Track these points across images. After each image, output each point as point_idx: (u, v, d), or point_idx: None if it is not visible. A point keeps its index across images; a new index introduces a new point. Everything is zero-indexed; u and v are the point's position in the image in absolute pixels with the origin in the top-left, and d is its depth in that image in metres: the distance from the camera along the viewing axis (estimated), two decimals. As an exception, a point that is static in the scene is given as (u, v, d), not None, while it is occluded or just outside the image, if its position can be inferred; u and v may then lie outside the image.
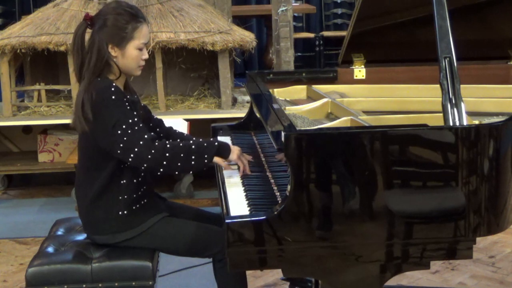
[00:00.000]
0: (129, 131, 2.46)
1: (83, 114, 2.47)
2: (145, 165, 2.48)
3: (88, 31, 2.58)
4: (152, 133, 2.52)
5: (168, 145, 2.48)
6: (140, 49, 2.56)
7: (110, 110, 2.46)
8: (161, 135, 2.79)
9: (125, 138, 2.45)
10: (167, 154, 2.47)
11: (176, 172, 2.59)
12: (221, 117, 4.80)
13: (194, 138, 2.73)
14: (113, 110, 2.46)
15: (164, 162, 2.47)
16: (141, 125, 2.49)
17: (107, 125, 2.46)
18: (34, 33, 4.80)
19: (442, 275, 3.59)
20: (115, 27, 2.52)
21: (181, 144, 2.51)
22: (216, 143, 2.55)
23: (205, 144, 2.53)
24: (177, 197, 4.68)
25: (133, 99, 2.60)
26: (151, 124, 2.77)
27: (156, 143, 2.47)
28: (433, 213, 2.18)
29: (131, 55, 2.55)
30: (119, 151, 2.47)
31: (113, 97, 2.47)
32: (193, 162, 2.50)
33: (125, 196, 2.56)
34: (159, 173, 2.52)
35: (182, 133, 2.86)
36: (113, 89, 2.49)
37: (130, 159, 2.48)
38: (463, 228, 2.20)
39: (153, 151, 2.46)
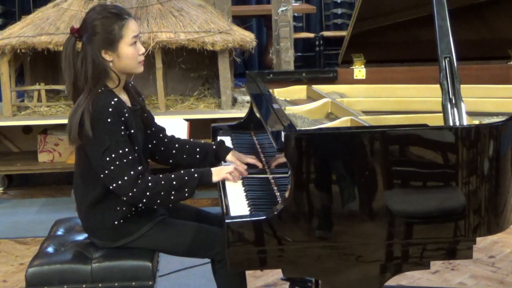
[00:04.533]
0: (117, 162, 2.44)
1: (80, 130, 2.44)
2: (124, 198, 2.48)
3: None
4: (139, 168, 2.48)
5: (150, 184, 2.46)
6: (134, 43, 2.52)
7: (103, 133, 2.43)
8: (165, 140, 2.78)
9: (111, 168, 2.44)
10: (148, 193, 2.45)
11: (155, 207, 2.60)
12: (221, 117, 4.80)
13: (197, 143, 2.76)
14: (106, 134, 2.43)
15: (144, 200, 2.47)
16: (130, 157, 2.46)
17: (98, 148, 2.44)
18: (34, 33, 4.80)
19: (442, 275, 3.59)
20: (104, 31, 2.48)
21: (163, 182, 2.47)
22: (196, 175, 2.52)
23: (186, 178, 2.51)
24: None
25: (134, 108, 2.59)
26: (153, 128, 2.76)
27: (139, 181, 2.45)
28: (433, 213, 2.18)
29: (126, 54, 2.51)
30: (102, 176, 2.47)
31: (109, 120, 2.43)
32: (172, 197, 2.49)
33: (124, 208, 2.55)
34: (139, 206, 2.53)
35: (185, 140, 2.84)
36: (110, 109, 2.44)
37: (111, 187, 2.47)
38: (463, 228, 2.20)
39: (135, 189, 2.44)
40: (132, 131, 2.51)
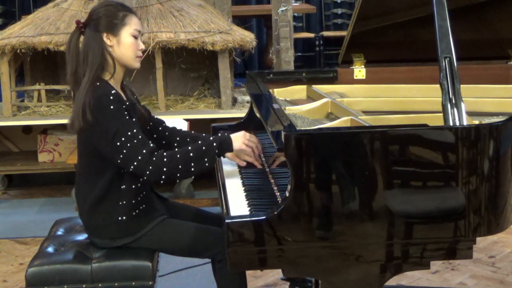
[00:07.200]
0: (128, 144, 2.45)
1: (83, 115, 2.45)
2: (144, 177, 2.51)
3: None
4: (151, 144, 2.50)
5: (165, 158, 2.47)
6: (135, 37, 2.56)
7: (108, 120, 2.45)
8: (166, 133, 2.80)
9: (124, 151, 2.46)
10: (165, 169, 2.47)
11: (179, 180, 2.63)
12: (221, 117, 4.81)
13: (199, 136, 2.77)
14: (111, 120, 2.45)
15: (163, 176, 2.48)
16: (140, 136, 2.48)
17: (107, 135, 2.46)
18: (34, 33, 4.81)
19: (442, 275, 3.59)
20: (107, 16, 2.54)
21: (178, 155, 2.50)
22: (214, 144, 2.54)
23: (203, 148, 2.52)
24: (177, 197, 4.68)
25: (132, 101, 2.60)
26: (151, 123, 2.77)
27: (154, 158, 2.47)
28: (433, 213, 2.18)
29: (126, 42, 2.55)
30: (119, 161, 2.48)
31: (112, 106, 2.45)
32: (193, 169, 2.51)
33: (124, 202, 2.56)
34: (162, 182, 2.53)
35: (187, 132, 2.85)
36: (111, 97, 2.46)
37: (130, 170, 2.49)
38: (463, 228, 2.20)
39: (151, 167, 2.46)
40: (134, 120, 2.53)
